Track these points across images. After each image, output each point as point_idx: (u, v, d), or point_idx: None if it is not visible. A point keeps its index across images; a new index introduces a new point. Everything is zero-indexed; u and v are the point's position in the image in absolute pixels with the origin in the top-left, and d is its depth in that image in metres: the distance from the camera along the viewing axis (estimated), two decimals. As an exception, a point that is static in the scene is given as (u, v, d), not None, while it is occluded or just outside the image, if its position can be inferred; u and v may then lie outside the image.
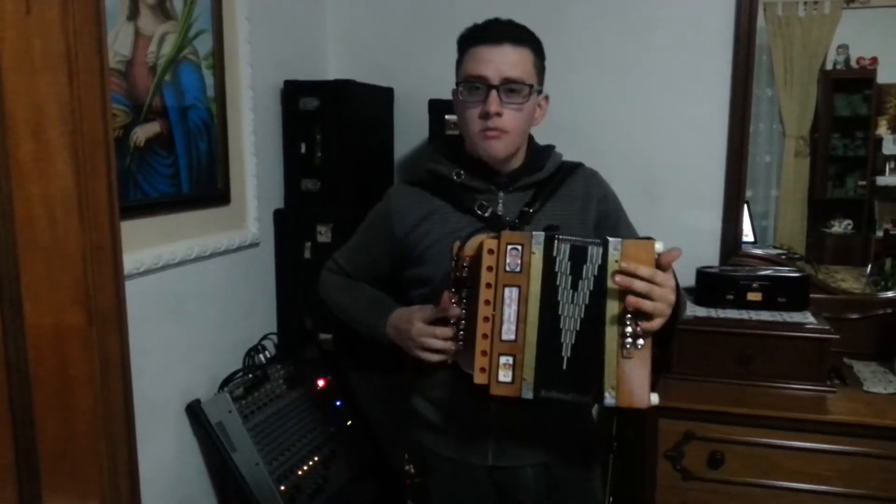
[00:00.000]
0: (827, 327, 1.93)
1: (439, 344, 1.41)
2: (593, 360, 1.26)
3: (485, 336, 1.29)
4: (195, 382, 1.93)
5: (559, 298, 1.28)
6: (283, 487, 1.87)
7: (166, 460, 1.84)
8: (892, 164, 2.40)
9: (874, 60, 2.35)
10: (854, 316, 2.19)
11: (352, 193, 2.23)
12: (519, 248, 1.28)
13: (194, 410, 1.87)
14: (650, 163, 2.30)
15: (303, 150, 2.22)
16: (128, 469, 0.80)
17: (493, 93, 1.41)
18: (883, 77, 2.35)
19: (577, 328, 1.27)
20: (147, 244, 1.72)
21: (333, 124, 2.19)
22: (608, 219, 1.55)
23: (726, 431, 1.80)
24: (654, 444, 1.85)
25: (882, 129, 2.39)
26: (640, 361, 1.25)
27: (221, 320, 2.04)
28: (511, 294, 1.28)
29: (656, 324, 1.26)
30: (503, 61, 1.41)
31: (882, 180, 2.41)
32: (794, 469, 1.78)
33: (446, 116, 2.17)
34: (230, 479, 1.88)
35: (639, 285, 1.24)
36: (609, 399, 1.25)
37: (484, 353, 1.29)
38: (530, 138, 1.59)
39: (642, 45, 2.29)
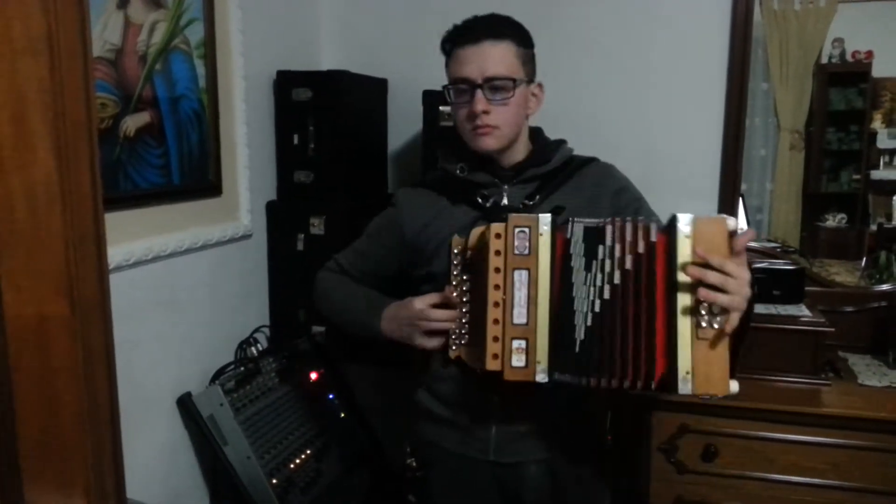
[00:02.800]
0: (822, 320, 1.92)
1: (439, 324, 1.38)
2: (616, 344, 1.23)
3: (496, 322, 1.27)
4: (186, 375, 1.91)
5: (573, 280, 1.26)
6: (275, 481, 1.86)
7: (157, 453, 1.83)
8: (887, 158, 2.40)
9: (869, 54, 2.34)
10: (849, 309, 2.19)
11: (345, 185, 2.21)
12: (526, 230, 1.27)
13: (185, 403, 1.85)
14: (645, 154, 2.28)
15: (296, 141, 2.21)
16: (112, 462, 0.79)
17: (478, 92, 1.41)
18: (878, 71, 2.35)
19: (597, 310, 1.24)
20: (137, 236, 1.71)
21: (327, 115, 2.17)
22: (626, 209, 1.52)
23: (721, 424, 1.80)
24: (648, 437, 1.84)
25: (877, 123, 2.39)
26: (717, 344, 1.18)
27: (213, 313, 2.02)
28: (521, 277, 1.27)
29: (734, 320, 1.18)
30: (484, 60, 1.41)
31: (876, 174, 2.41)
32: (788, 462, 1.77)
33: (440, 108, 2.16)
34: (222, 473, 1.87)
35: (712, 277, 1.17)
36: (683, 386, 1.18)
37: (496, 339, 1.27)
38: (539, 132, 1.59)
39: (638, 38, 2.27)
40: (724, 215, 1.22)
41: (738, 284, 1.18)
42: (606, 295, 1.24)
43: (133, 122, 1.69)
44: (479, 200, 1.47)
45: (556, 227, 1.28)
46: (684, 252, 1.20)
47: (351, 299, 1.60)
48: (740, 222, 2.34)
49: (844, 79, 2.38)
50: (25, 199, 0.70)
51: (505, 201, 1.49)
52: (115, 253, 1.59)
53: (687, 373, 1.19)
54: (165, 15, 1.76)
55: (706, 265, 1.18)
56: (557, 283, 1.27)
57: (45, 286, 0.73)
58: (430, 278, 1.51)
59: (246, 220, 2.12)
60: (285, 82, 2.21)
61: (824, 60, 2.35)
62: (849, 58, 2.35)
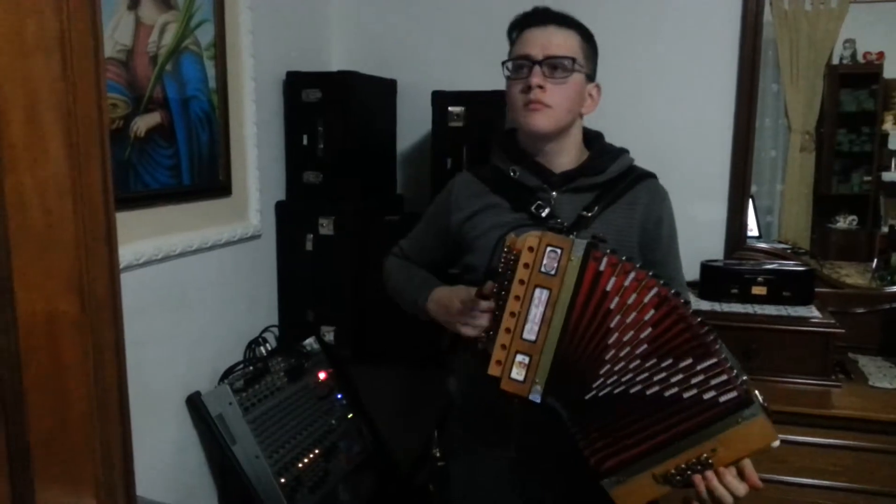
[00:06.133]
0: (832, 321, 1.91)
1: (477, 324, 1.37)
2: (626, 430, 1.21)
3: (507, 330, 1.28)
4: (196, 374, 1.92)
5: (612, 325, 1.21)
6: (283, 480, 1.86)
7: (166, 452, 1.84)
8: (899, 160, 2.39)
9: (881, 55, 2.33)
10: (859, 310, 2.18)
11: (354, 186, 2.22)
12: (558, 251, 1.25)
13: (194, 402, 1.86)
14: (656, 155, 2.25)
15: (305, 141, 2.21)
16: (122, 459, 0.79)
17: (536, 67, 1.42)
18: (889, 72, 2.34)
19: (636, 391, 1.20)
20: (148, 235, 1.72)
21: (336, 116, 2.18)
22: (656, 248, 1.50)
23: (730, 426, 1.79)
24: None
25: (888, 125, 2.38)
26: (659, 490, 1.21)
27: (222, 312, 2.03)
28: (541, 295, 1.26)
29: None
30: (547, 40, 1.43)
31: (888, 176, 2.39)
32: (798, 464, 1.77)
33: (449, 108, 2.16)
34: (230, 472, 1.87)
35: (721, 492, 1.17)
36: (608, 485, 1.22)
37: (503, 346, 1.28)
38: (599, 137, 1.57)
39: (649, 38, 2.27)
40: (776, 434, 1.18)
41: (733, 501, 1.19)
42: (623, 353, 1.21)
43: (143, 123, 1.69)
44: (535, 210, 1.45)
45: (591, 257, 1.24)
46: (740, 443, 1.16)
47: (405, 280, 1.65)
48: (750, 223, 2.33)
49: (855, 80, 2.37)
50: (37, 197, 0.70)
51: (553, 208, 1.46)
52: (125, 253, 1.60)
53: (619, 482, 1.22)
54: (176, 16, 1.77)
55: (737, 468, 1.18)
56: (577, 312, 1.24)
57: (56, 283, 0.73)
58: (469, 269, 1.52)
59: (255, 220, 2.13)
60: (295, 83, 2.21)
61: (835, 61, 2.34)
62: (860, 59, 2.34)
